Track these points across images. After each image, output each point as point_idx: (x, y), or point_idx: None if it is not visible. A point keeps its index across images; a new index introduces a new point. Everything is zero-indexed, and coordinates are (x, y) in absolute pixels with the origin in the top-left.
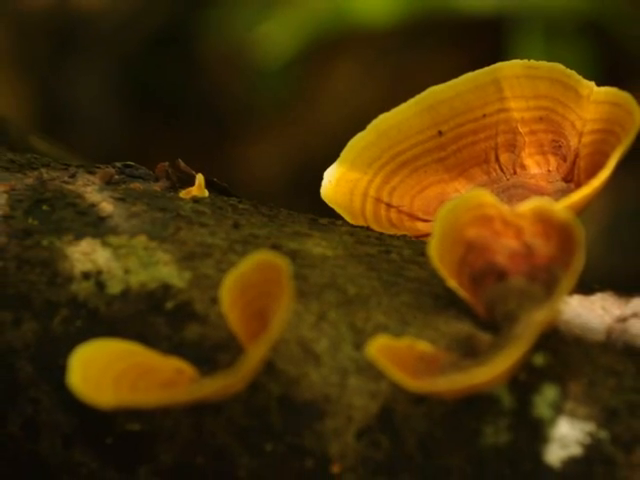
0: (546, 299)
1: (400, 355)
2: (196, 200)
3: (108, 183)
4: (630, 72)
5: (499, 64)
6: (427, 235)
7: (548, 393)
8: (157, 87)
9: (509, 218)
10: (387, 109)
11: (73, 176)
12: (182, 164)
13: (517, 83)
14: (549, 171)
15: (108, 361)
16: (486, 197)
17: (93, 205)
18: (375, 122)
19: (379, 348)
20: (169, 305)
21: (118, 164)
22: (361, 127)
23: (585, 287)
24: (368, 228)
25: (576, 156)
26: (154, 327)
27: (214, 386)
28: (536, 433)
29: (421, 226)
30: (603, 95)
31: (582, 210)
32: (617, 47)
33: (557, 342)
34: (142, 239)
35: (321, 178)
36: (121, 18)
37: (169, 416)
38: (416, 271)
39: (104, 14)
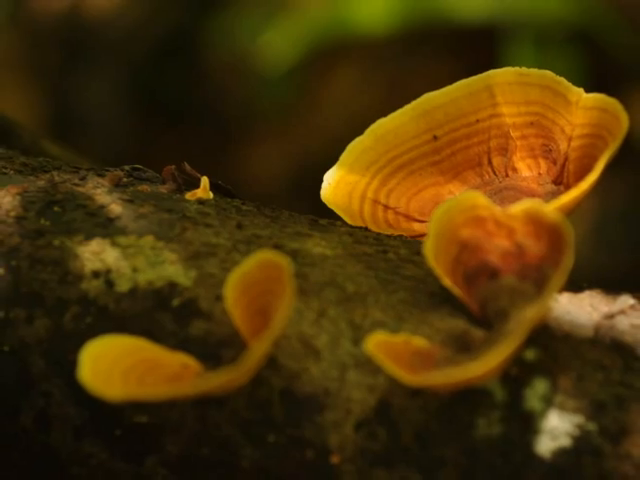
0: (537, 297)
1: (397, 350)
2: (201, 202)
3: (117, 185)
4: (618, 79)
5: (492, 71)
6: (423, 235)
7: (539, 387)
8: (164, 93)
9: (501, 219)
10: (384, 114)
11: (83, 179)
12: (188, 167)
13: (509, 90)
14: (540, 174)
15: (117, 356)
16: (479, 199)
17: (102, 206)
18: (373, 127)
19: (377, 344)
20: (175, 302)
21: (126, 167)
22: (359, 131)
23: (574, 285)
24: (366, 229)
25: (565, 160)
26: (161, 324)
27: (219, 380)
28: (527, 425)
29: (417, 227)
30: (591, 101)
31: (571, 211)
32: (605, 55)
33: (547, 338)
34: (149, 239)
35: (321, 180)
36: (130, 27)
37: (175, 409)
38: (412, 270)
39: (114, 23)
